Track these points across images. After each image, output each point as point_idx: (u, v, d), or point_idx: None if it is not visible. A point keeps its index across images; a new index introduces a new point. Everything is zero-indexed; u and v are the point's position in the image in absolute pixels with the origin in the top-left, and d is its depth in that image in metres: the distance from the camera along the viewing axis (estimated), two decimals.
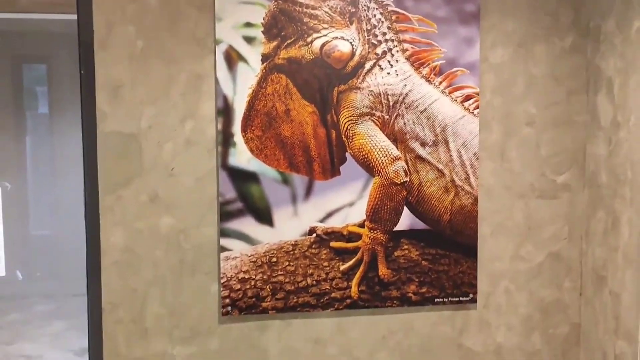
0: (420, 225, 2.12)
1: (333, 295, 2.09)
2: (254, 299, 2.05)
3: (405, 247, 2.13)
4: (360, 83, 2.06)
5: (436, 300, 2.15)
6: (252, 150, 2.03)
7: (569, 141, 2.19)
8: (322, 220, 2.08)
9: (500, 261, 2.18)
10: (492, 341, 2.19)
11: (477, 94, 2.13)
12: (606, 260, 2.07)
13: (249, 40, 2.01)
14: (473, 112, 2.13)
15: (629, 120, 1.95)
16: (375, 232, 2.10)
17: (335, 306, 2.09)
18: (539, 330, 2.21)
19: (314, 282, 2.08)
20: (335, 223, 2.09)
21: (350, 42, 2.05)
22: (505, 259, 2.18)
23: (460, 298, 2.16)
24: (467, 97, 2.13)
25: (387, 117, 2.09)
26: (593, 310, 2.16)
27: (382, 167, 2.09)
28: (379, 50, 2.06)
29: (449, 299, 2.15)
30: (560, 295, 2.22)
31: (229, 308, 2.04)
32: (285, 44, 2.02)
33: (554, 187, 2.19)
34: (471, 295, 2.17)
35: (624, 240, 1.97)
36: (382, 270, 2.11)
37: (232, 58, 2.01)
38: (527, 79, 2.14)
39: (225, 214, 2.03)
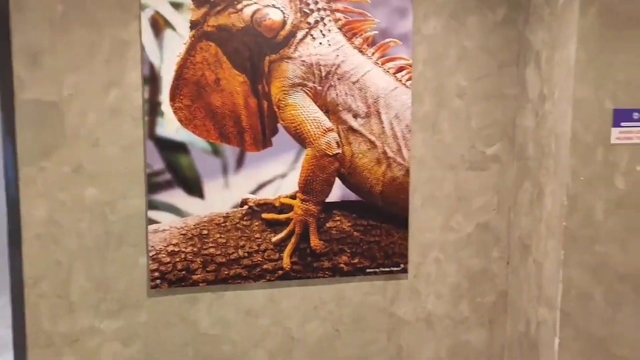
0: (352, 196, 2.13)
1: (265, 266, 2.09)
2: (184, 272, 2.03)
3: (338, 218, 2.13)
4: (292, 53, 2.03)
5: (368, 270, 2.17)
6: (180, 120, 1.98)
7: (499, 114, 2.22)
8: (253, 192, 2.06)
9: (431, 232, 2.21)
10: (422, 310, 2.24)
11: (410, 66, 2.13)
12: (531, 230, 2.13)
13: (177, 6, 1.94)
14: (405, 84, 2.13)
15: (553, 93, 1.98)
16: (307, 203, 2.10)
17: (267, 278, 2.09)
18: (467, 299, 2.27)
19: (246, 254, 2.07)
20: (267, 195, 2.07)
21: (282, 10, 2.01)
22: (436, 230, 2.22)
23: (392, 268, 2.19)
24: (400, 69, 2.12)
25: (320, 87, 2.06)
26: (518, 278, 2.23)
27: (314, 138, 2.07)
28: (311, 20, 2.03)
29: (380, 269, 2.18)
30: (488, 265, 2.28)
31: (158, 281, 2.01)
32: (215, 10, 1.97)
33: (484, 159, 2.23)
34: (402, 266, 2.20)
35: (547, 210, 2.02)
36: (314, 242, 2.12)
37: (159, 24, 1.94)
38: (459, 51, 2.15)
39: (153, 186, 1.98)
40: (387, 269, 2.19)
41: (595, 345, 1.98)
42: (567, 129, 1.90)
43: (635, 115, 1.94)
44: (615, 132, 1.93)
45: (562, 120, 1.93)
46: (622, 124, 1.93)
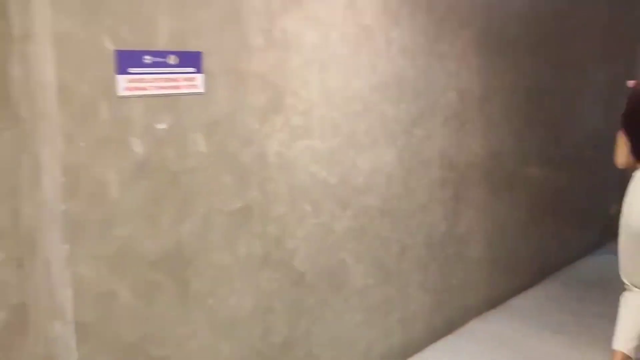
0: None
1: None
2: None
3: None
4: None
5: None
6: None
7: None
8: None
9: None
10: None
11: None
12: (36, 219, 1.57)
13: None
14: None
15: (36, 30, 1.42)
16: None
17: None
18: None
19: None
20: None
21: None
22: None
23: None
24: None
25: None
26: (34, 284, 1.65)
27: None
28: None
29: None
30: None
31: None
32: None
33: None
34: None
35: (46, 191, 1.49)
36: None
37: None
38: None
39: None
40: None
41: (128, 353, 1.57)
42: (52, 77, 1.38)
43: (147, 58, 1.54)
44: (122, 80, 1.50)
45: (46, 66, 1.40)
46: (131, 70, 1.51)
